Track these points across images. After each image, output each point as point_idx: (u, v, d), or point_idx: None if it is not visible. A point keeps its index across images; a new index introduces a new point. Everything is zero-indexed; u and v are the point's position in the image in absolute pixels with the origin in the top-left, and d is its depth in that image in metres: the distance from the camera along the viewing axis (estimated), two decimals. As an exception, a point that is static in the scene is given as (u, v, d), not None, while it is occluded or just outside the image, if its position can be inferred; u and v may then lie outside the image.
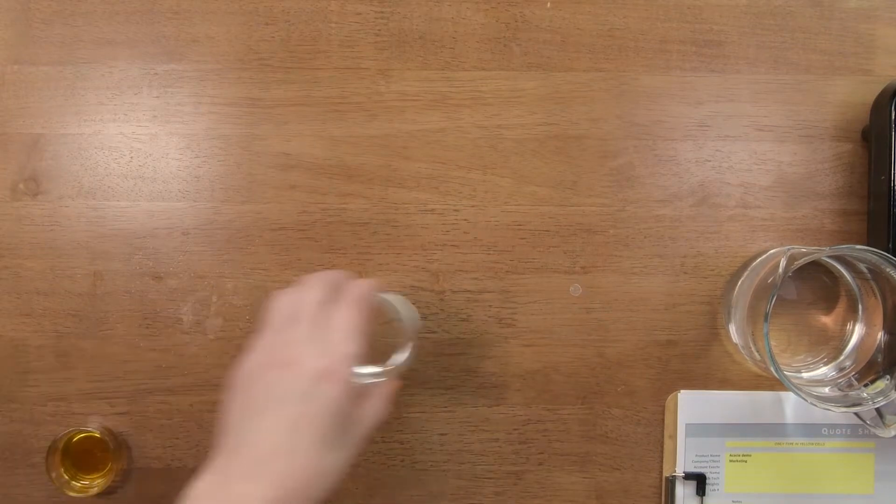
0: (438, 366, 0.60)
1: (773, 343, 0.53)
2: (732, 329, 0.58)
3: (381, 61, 0.59)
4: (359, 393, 0.47)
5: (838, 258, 0.58)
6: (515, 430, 0.60)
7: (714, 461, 0.59)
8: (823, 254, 0.53)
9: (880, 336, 0.56)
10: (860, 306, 0.59)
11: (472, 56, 0.59)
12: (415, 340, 0.54)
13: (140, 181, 0.60)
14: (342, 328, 0.46)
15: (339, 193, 0.60)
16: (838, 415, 0.59)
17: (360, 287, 0.49)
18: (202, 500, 0.42)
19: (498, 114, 0.59)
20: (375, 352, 0.51)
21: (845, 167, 0.60)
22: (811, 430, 0.60)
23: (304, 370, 0.44)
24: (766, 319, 0.50)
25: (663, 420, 0.60)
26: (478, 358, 0.60)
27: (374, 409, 0.48)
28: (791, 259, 0.51)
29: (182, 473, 0.60)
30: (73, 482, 0.59)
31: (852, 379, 0.56)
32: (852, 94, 0.59)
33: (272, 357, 0.46)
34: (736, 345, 0.58)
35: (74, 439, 0.59)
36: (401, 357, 0.54)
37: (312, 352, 0.45)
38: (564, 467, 0.60)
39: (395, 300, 0.54)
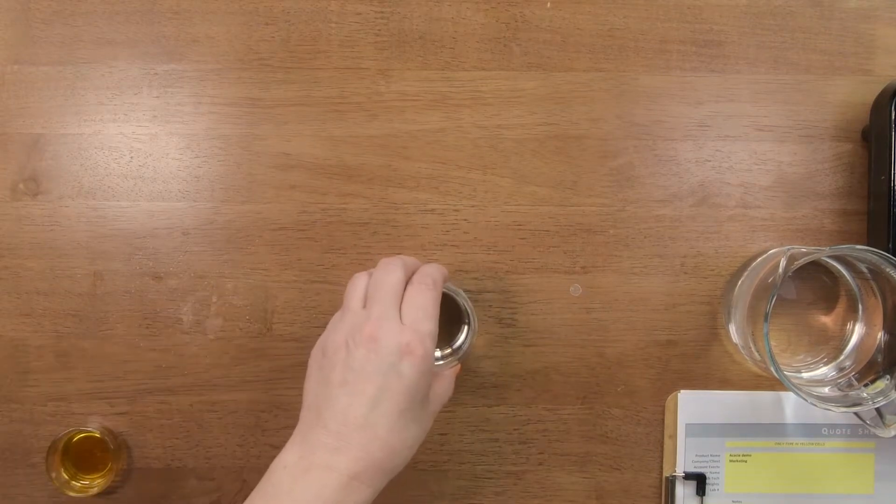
0: (438, 366, 0.60)
1: (773, 343, 0.53)
2: (732, 329, 0.58)
3: (381, 61, 0.59)
4: (433, 372, 0.49)
5: (838, 258, 0.58)
6: (515, 430, 0.60)
7: (714, 461, 0.59)
8: (823, 254, 0.53)
9: (880, 336, 0.56)
10: (860, 306, 0.59)
11: (472, 56, 0.59)
12: (473, 325, 0.56)
13: (140, 181, 0.60)
14: (420, 307, 0.48)
15: (339, 193, 0.60)
16: (838, 415, 0.59)
17: (433, 269, 0.51)
18: (288, 472, 0.45)
19: (498, 114, 0.59)
20: (441, 337, 0.54)
21: (845, 167, 0.60)
22: (811, 430, 0.60)
23: (386, 347, 0.46)
24: (766, 319, 0.50)
25: (663, 420, 0.60)
26: (478, 358, 0.60)
27: (443, 389, 0.51)
28: (791, 259, 0.51)
29: (182, 473, 0.60)
30: (73, 482, 0.59)
31: (852, 379, 0.56)
32: (852, 94, 0.59)
33: (353, 335, 0.47)
34: (736, 345, 0.58)
35: (74, 439, 0.59)
36: (461, 341, 0.57)
37: (393, 329, 0.46)
38: (564, 467, 0.60)
39: (447, 286, 0.56)
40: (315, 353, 0.49)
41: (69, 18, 0.59)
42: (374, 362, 0.46)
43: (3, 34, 0.59)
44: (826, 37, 0.60)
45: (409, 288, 0.49)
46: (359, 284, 0.50)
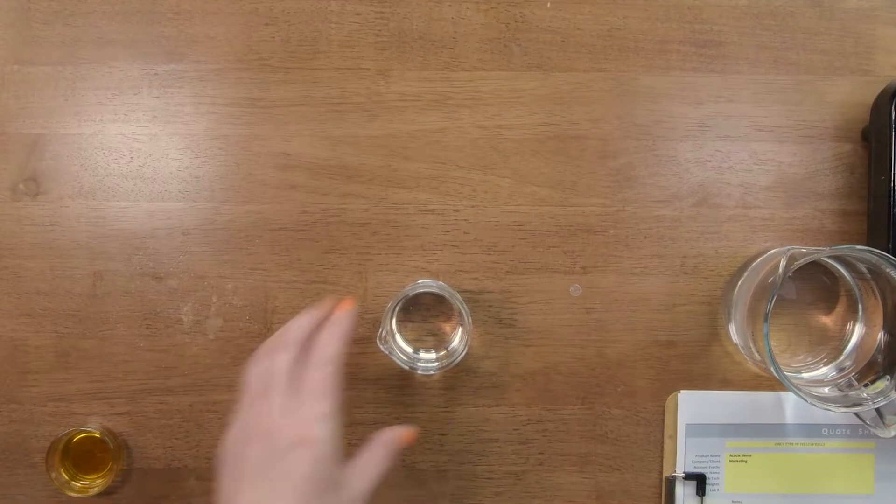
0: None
1: (773, 343, 0.53)
2: (732, 329, 0.58)
3: (381, 61, 0.59)
4: (345, 453, 0.48)
5: (838, 258, 0.58)
6: (515, 430, 0.60)
7: (714, 461, 0.59)
8: (823, 254, 0.53)
9: (880, 336, 0.56)
10: (860, 306, 0.59)
11: (472, 56, 0.59)
12: (468, 326, 0.56)
13: (140, 181, 0.60)
14: (312, 390, 0.48)
15: (339, 193, 0.60)
16: (838, 415, 0.59)
17: (327, 344, 0.50)
18: None
19: (498, 114, 0.59)
20: (435, 339, 0.57)
21: (845, 167, 0.60)
22: (811, 430, 0.60)
23: (279, 441, 0.46)
24: (766, 319, 0.50)
25: (663, 420, 0.60)
26: (478, 358, 0.60)
27: (365, 468, 0.49)
28: (791, 259, 0.51)
29: (182, 473, 0.60)
30: (73, 482, 0.59)
31: (852, 379, 0.56)
32: (852, 94, 0.59)
33: (249, 431, 0.47)
34: (736, 345, 0.58)
35: (74, 439, 0.59)
36: (455, 343, 0.57)
37: (286, 421, 0.46)
38: (564, 467, 0.60)
39: (442, 287, 0.56)
40: (220, 451, 0.48)
41: (69, 18, 0.59)
42: (269, 457, 0.45)
43: (3, 34, 0.59)
44: (826, 37, 0.60)
45: (303, 369, 0.48)
46: (252, 374, 0.49)
